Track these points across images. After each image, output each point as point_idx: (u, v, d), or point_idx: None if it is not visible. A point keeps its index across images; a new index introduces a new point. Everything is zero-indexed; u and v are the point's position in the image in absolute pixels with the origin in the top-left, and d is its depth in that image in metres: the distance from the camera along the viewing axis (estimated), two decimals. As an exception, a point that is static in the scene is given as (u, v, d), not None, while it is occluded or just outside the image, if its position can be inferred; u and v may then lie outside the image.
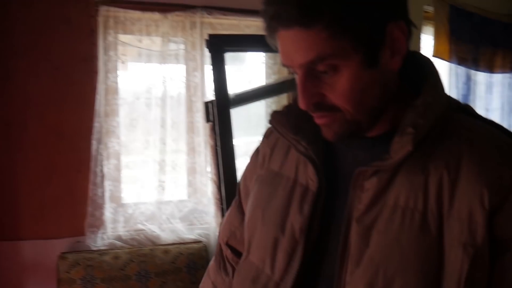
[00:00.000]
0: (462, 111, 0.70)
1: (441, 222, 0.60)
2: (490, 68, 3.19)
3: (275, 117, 0.78)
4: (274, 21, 0.61)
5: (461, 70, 3.01)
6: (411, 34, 0.67)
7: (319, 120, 0.67)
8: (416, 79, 0.69)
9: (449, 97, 0.71)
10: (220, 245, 0.97)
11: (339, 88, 0.62)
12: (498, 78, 3.30)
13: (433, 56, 2.86)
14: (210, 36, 2.08)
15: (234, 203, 0.95)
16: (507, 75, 3.34)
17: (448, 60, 2.91)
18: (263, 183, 0.83)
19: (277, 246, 0.73)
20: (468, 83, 3.07)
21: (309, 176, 0.73)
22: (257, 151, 0.90)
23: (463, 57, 2.99)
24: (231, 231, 0.93)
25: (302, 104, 0.64)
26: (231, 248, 0.94)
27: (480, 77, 3.17)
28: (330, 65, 0.61)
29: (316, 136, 0.73)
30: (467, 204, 0.59)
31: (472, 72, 3.10)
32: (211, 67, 2.04)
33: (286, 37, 0.61)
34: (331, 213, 0.71)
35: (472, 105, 2.82)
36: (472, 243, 0.58)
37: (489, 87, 3.25)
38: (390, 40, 0.63)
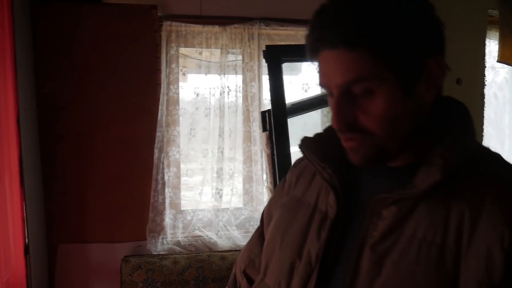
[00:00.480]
0: (492, 158, 0.70)
1: (458, 259, 0.59)
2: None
3: (305, 143, 0.81)
4: (320, 42, 0.64)
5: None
6: (448, 69, 0.70)
7: (347, 143, 0.68)
8: (448, 120, 0.71)
9: (479, 143, 0.73)
10: (234, 274, 0.97)
11: (373, 112, 0.64)
12: None
13: (498, 61, 2.72)
14: (267, 46, 2.11)
15: (256, 232, 0.97)
16: None
17: (515, 65, 2.76)
18: (285, 209, 0.85)
19: (293, 271, 0.74)
20: (538, 89, 2.90)
21: (329, 204, 0.73)
22: (283, 180, 0.92)
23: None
24: (250, 259, 0.93)
25: (335, 123, 0.65)
26: (247, 277, 0.93)
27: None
28: (367, 88, 0.63)
29: (342, 166, 0.75)
30: (487, 243, 0.58)
31: (543, 77, 2.92)
32: (268, 77, 2.08)
33: (329, 57, 0.64)
34: (348, 240, 0.71)
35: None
36: (488, 283, 0.57)
37: None
38: (427, 72, 0.66)
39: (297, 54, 2.16)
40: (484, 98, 2.71)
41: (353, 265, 0.66)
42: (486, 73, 2.72)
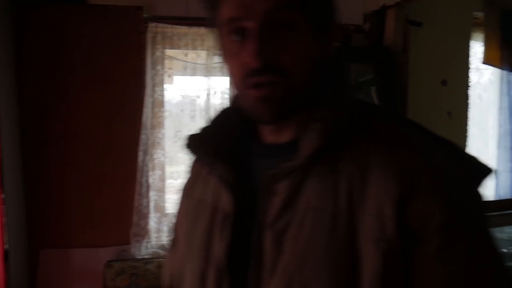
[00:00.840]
0: (370, 110, 0.70)
1: (353, 220, 0.59)
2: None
3: (191, 141, 0.75)
4: None
5: (513, 77, 2.88)
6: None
7: (261, 90, 0.62)
8: (324, 83, 0.68)
9: (356, 98, 0.72)
10: None
11: (295, 48, 0.61)
12: (553, 85, 3.13)
13: (483, 63, 2.75)
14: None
15: (170, 242, 0.90)
16: None
17: (500, 67, 2.79)
18: (188, 213, 0.80)
19: (204, 278, 0.69)
20: (520, 91, 2.94)
21: (226, 200, 0.69)
22: (184, 182, 0.86)
23: (515, 64, 2.87)
24: (171, 273, 0.85)
25: (255, 61, 0.59)
26: None
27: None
28: (292, 19, 0.61)
29: (234, 156, 0.72)
30: (377, 199, 0.58)
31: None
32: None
33: None
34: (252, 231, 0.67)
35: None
36: (384, 238, 0.57)
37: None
38: (332, 30, 0.68)
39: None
40: (468, 99, 2.73)
41: (257, 249, 0.63)
42: (471, 74, 2.74)
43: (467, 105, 2.73)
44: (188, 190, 0.82)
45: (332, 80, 0.69)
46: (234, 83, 0.67)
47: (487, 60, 2.75)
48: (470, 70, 2.72)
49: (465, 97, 2.72)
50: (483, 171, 0.65)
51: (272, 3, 0.59)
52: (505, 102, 2.85)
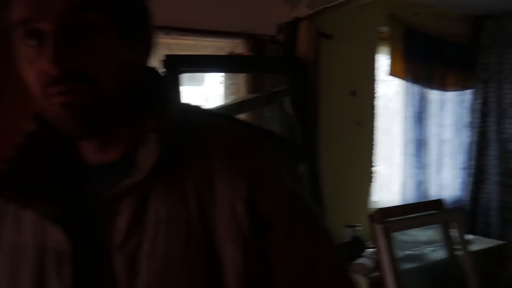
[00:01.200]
0: (202, 114, 0.71)
1: (207, 224, 0.59)
2: (442, 86, 3.31)
3: None
4: None
5: (416, 88, 3.10)
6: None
7: (64, 97, 0.55)
8: (148, 92, 0.66)
9: (187, 103, 0.72)
10: None
11: (101, 54, 0.56)
12: (450, 96, 3.42)
13: (390, 75, 2.93)
14: (167, 56, 2.04)
15: None
16: (458, 93, 3.47)
17: (404, 78, 2.99)
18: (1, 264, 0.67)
19: None
20: (422, 100, 3.16)
21: (56, 237, 0.60)
22: None
23: (417, 76, 3.08)
24: None
25: (53, 68, 0.53)
26: None
27: (434, 95, 3.28)
28: (94, 21, 0.55)
29: (54, 184, 0.63)
30: (227, 199, 0.60)
31: (426, 90, 3.20)
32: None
33: None
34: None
35: (426, 122, 2.92)
36: (240, 234, 0.59)
37: (442, 104, 3.36)
38: (147, 36, 0.64)
39: (198, 64, 2.11)
40: (376, 109, 2.89)
41: (107, 278, 0.58)
42: (378, 86, 2.90)
43: (375, 115, 2.89)
44: None
45: (155, 88, 0.66)
46: (34, 94, 0.58)
47: (392, 72, 2.93)
48: (377, 81, 2.89)
49: (373, 107, 2.87)
50: (302, 154, 0.73)
51: (68, 3, 0.53)
52: (410, 111, 3.05)
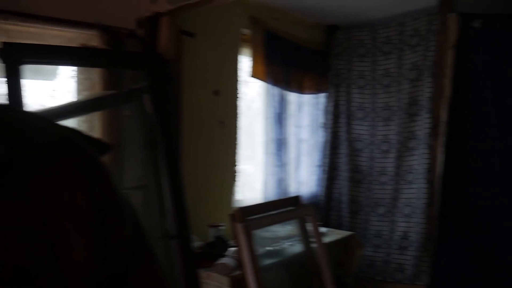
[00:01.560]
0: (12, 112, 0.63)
1: (50, 223, 0.53)
2: (300, 89, 3.51)
3: None
4: None
5: (276, 90, 3.23)
6: None
7: None
8: None
9: None
10: None
11: None
12: (307, 98, 3.65)
13: (252, 76, 3.00)
14: (4, 44, 1.78)
15: None
16: (314, 95, 3.73)
17: (265, 80, 3.09)
18: None
19: None
20: (282, 102, 3.32)
21: None
22: None
23: (277, 78, 3.22)
24: None
25: None
26: None
27: (292, 97, 3.46)
28: None
29: None
30: (68, 190, 0.57)
31: (285, 92, 3.36)
32: (5, 79, 1.76)
33: None
34: None
35: (285, 122, 3.02)
36: (84, 222, 0.58)
37: (300, 106, 3.57)
38: None
39: (43, 55, 1.89)
40: (239, 109, 2.93)
41: None
42: (241, 86, 2.95)
43: (238, 115, 2.93)
44: None
45: None
46: None
47: (254, 74, 3.01)
48: (240, 82, 2.94)
49: (236, 107, 2.92)
50: (104, 147, 0.72)
51: None
52: (270, 112, 3.17)
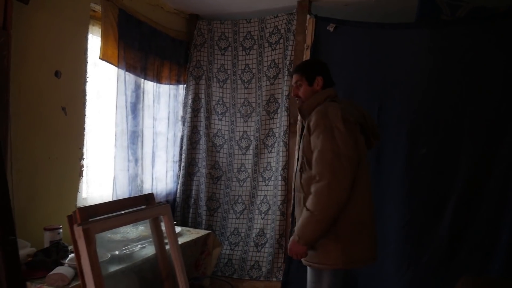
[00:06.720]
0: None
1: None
2: (158, 79, 3.26)
3: None
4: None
5: (130, 77, 2.93)
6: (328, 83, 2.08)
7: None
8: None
9: None
10: None
11: (302, 91, 2.08)
12: (165, 88, 3.42)
13: (100, 58, 2.65)
14: None
15: None
16: (172, 86, 3.51)
17: (117, 65, 2.77)
18: None
19: None
20: (137, 91, 3.03)
21: None
22: None
23: (132, 64, 2.92)
24: None
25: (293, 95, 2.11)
26: None
27: (149, 86, 3.19)
28: (299, 82, 2.09)
29: None
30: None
31: (142, 80, 3.08)
32: None
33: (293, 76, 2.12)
34: None
35: (141, 113, 2.76)
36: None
37: (158, 97, 3.32)
38: (316, 80, 2.07)
39: None
40: (86, 94, 2.57)
41: None
42: (88, 69, 2.59)
43: (85, 101, 2.57)
44: None
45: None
46: None
47: (104, 57, 2.67)
48: (87, 64, 2.57)
49: (82, 92, 2.55)
50: None
51: (295, 79, 2.15)
52: (122, 101, 2.85)
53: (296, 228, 1.91)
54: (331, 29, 3.04)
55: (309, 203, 1.84)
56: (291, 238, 1.93)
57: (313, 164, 1.87)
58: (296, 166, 2.23)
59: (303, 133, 1.99)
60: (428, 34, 2.78)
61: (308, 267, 2.02)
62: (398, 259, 2.77)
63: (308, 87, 2.05)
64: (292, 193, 2.34)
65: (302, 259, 1.99)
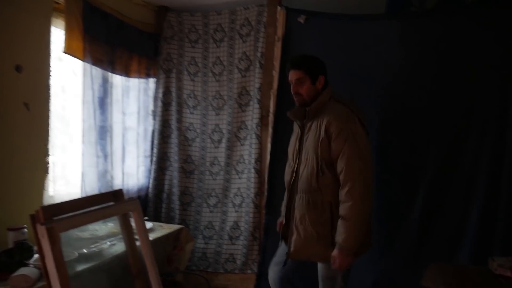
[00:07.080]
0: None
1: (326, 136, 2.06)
2: (126, 72, 3.19)
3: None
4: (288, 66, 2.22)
5: (97, 71, 2.86)
6: (327, 82, 2.20)
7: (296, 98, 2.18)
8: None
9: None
10: None
11: (304, 88, 2.14)
12: (134, 82, 3.35)
13: (65, 52, 2.58)
14: None
15: None
16: (142, 80, 3.44)
17: (82, 59, 2.69)
18: None
19: None
20: (105, 85, 2.96)
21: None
22: None
23: (99, 58, 2.85)
24: None
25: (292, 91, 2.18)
26: None
27: (117, 80, 3.12)
28: (302, 79, 2.14)
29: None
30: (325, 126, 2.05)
31: (109, 74, 3.00)
32: None
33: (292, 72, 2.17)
34: None
35: (109, 108, 2.69)
36: (326, 137, 2.06)
37: (127, 91, 3.25)
38: (319, 79, 2.15)
39: None
40: (50, 89, 2.49)
41: None
42: (52, 63, 2.51)
43: (48, 97, 2.49)
44: None
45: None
46: None
47: (68, 50, 2.59)
48: (50, 58, 2.49)
49: (46, 87, 2.47)
50: None
51: (296, 76, 2.23)
52: (89, 96, 2.78)
53: (339, 241, 1.96)
54: (302, 21, 3.02)
55: (345, 212, 1.95)
56: (337, 253, 1.96)
57: (340, 170, 1.98)
58: (296, 165, 2.18)
59: (315, 135, 2.07)
60: (399, 26, 2.77)
61: (318, 264, 2.14)
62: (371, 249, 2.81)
63: (312, 86, 2.12)
64: (287, 192, 2.26)
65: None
